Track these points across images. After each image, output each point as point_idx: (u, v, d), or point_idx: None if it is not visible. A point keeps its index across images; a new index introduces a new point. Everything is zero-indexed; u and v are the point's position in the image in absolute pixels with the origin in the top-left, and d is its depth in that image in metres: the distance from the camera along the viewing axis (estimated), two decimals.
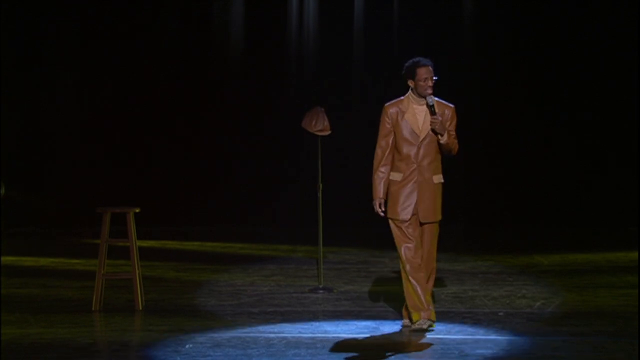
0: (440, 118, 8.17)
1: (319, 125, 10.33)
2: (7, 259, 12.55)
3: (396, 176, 8.27)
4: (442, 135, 8.16)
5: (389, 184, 8.30)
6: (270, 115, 16.46)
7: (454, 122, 8.28)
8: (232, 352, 7.51)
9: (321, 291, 10.20)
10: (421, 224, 8.26)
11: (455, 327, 8.33)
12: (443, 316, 8.73)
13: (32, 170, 16.30)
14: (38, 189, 16.28)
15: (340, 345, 7.76)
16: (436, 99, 8.26)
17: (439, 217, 8.30)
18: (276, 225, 16.13)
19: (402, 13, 16.36)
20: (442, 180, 8.32)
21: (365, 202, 16.23)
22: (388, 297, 9.91)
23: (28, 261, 12.70)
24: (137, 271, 9.29)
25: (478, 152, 16.32)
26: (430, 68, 8.20)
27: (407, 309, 8.33)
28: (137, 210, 9.42)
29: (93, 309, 9.22)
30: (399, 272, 11.69)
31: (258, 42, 16.54)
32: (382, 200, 8.31)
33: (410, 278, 8.24)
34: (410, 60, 8.26)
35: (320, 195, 10.51)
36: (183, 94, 16.44)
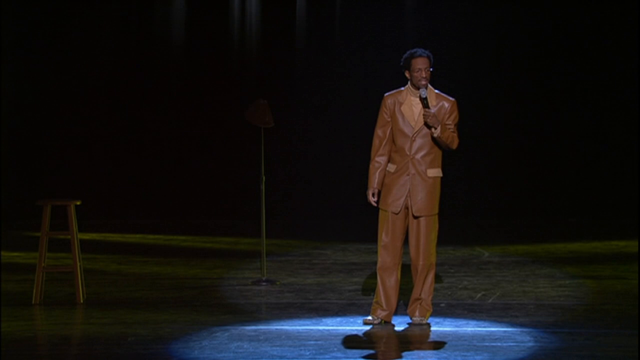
0: (432, 111, 8.04)
1: (262, 117, 10.32)
2: None
3: (391, 167, 8.18)
4: (435, 129, 8.02)
5: (385, 174, 8.20)
6: (213, 107, 16.42)
7: (453, 116, 8.12)
8: (174, 344, 7.49)
9: (264, 283, 10.20)
10: (415, 217, 8.17)
11: (397, 319, 8.36)
12: None
13: None
14: None
15: (283, 337, 7.76)
16: (437, 91, 8.15)
17: (435, 211, 8.16)
18: (218, 218, 16.09)
19: (344, 8, 16.39)
20: (440, 175, 8.16)
21: (309, 194, 16.31)
22: (331, 289, 9.93)
23: None
24: (78, 264, 9.23)
25: None
26: (426, 59, 8.06)
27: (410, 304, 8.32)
28: (78, 203, 9.35)
29: (33, 302, 9.14)
30: (341, 264, 11.74)
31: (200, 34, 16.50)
32: (376, 190, 8.18)
33: (378, 274, 8.26)
34: (408, 51, 8.16)
35: (263, 187, 10.50)
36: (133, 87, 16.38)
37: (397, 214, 8.16)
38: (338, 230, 14.71)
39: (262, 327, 8.15)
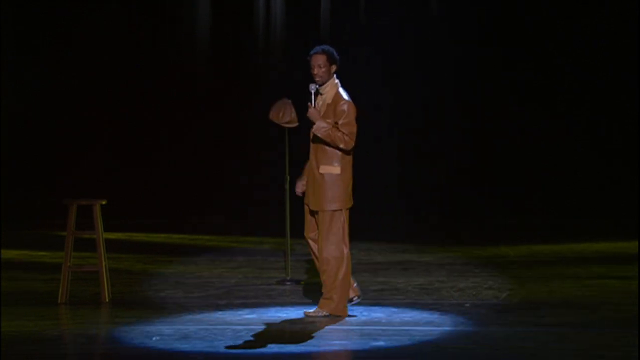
0: (312, 108, 8.22)
1: (286, 117, 10.31)
2: None
3: None
4: (313, 125, 8.22)
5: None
6: (236, 107, 16.45)
7: (343, 116, 8.21)
8: (199, 344, 7.50)
9: (288, 283, 10.21)
10: (312, 212, 8.38)
11: (423, 319, 8.35)
12: (410, 307, 8.78)
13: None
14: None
15: (308, 337, 7.76)
16: (341, 89, 8.31)
17: (324, 207, 8.26)
18: (244, 217, 16.11)
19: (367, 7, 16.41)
20: (334, 172, 8.26)
21: None
22: None
23: None
24: (103, 263, 9.26)
25: (444, 145, 16.39)
26: (318, 56, 8.28)
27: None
28: (104, 203, 9.38)
29: (59, 301, 9.17)
30: (364, 264, 11.73)
31: (226, 35, 16.54)
32: (301, 183, 8.51)
33: None
34: None
35: (287, 187, 10.51)
36: (153, 90, 16.43)
37: (308, 207, 8.36)
38: (362, 229, 14.68)
39: (287, 326, 8.15)
